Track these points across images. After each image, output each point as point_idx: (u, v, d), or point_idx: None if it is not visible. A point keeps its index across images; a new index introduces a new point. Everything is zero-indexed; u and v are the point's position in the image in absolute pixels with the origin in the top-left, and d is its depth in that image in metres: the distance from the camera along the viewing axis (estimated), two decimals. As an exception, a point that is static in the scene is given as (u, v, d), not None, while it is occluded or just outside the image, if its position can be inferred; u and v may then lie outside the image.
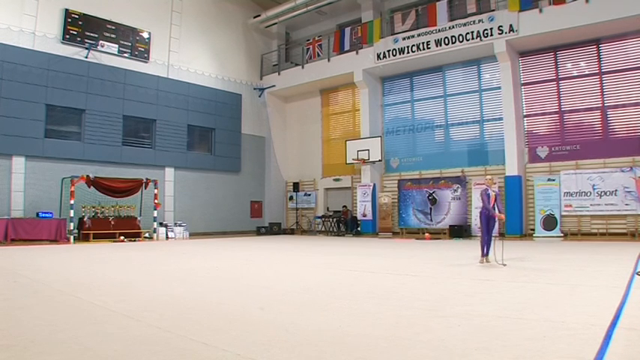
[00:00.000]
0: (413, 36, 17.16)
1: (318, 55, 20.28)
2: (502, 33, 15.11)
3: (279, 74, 21.42)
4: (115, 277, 6.76)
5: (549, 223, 14.71)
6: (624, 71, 14.49)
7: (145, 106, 17.63)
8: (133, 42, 17.44)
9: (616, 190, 13.72)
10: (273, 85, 21.56)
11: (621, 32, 14.18)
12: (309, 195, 21.40)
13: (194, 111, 19.17)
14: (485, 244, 7.71)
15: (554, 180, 14.80)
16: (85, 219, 15.19)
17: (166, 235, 16.94)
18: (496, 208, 7.76)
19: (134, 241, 15.40)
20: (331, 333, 3.46)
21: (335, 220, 19.64)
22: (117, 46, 16.94)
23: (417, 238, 16.09)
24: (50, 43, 15.32)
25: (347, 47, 19.10)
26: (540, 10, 14.49)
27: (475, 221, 16.00)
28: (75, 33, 15.84)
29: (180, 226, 17.59)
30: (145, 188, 16.43)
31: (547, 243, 13.03)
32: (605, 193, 13.89)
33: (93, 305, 4.55)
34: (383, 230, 18.37)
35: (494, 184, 7.82)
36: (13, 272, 7.12)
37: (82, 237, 14.96)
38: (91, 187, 15.16)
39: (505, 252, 7.71)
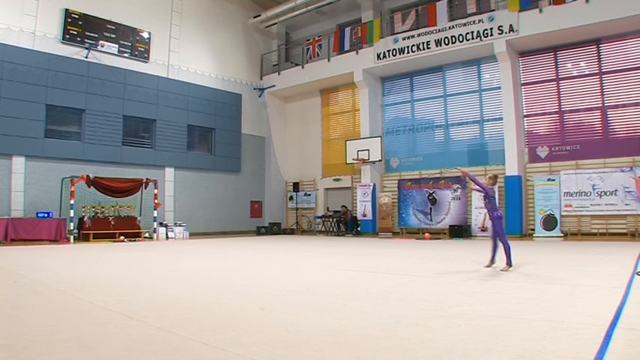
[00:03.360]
0: (413, 36, 17.16)
1: (318, 55, 20.28)
2: (502, 33, 15.11)
3: (279, 74, 21.42)
4: (115, 277, 6.75)
5: (549, 223, 14.71)
6: (624, 71, 14.49)
7: (145, 106, 17.64)
8: (133, 42, 17.44)
9: (616, 190, 13.72)
10: (273, 85, 21.56)
11: (621, 32, 14.18)
12: (309, 195, 21.40)
13: (194, 111, 19.17)
14: (498, 250, 6.99)
15: (554, 180, 14.80)
16: (85, 219, 15.20)
17: (166, 235, 16.94)
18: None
19: (134, 241, 15.40)
20: (331, 333, 3.46)
21: (335, 220, 19.63)
22: (117, 46, 16.94)
23: (417, 238, 16.08)
24: (50, 43, 15.32)
25: (347, 47, 19.10)
26: (540, 10, 14.49)
27: (475, 221, 16.03)
28: (75, 33, 15.84)
29: (180, 226, 17.59)
30: (145, 188, 16.43)
31: (547, 243, 13.03)
32: (605, 193, 13.89)
33: (93, 305, 4.55)
34: (383, 230, 18.36)
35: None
36: (13, 272, 7.12)
37: (82, 237, 14.96)
38: (91, 187, 15.16)
39: (504, 252, 7.64)
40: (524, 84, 16.16)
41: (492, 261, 7.09)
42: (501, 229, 6.96)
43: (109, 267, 8.06)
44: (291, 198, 21.91)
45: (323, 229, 20.13)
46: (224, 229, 19.99)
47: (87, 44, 16.05)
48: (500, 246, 6.92)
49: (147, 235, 16.51)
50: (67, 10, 15.63)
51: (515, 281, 5.89)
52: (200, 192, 19.31)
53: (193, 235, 18.06)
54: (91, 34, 16.25)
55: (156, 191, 16.58)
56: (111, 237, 15.27)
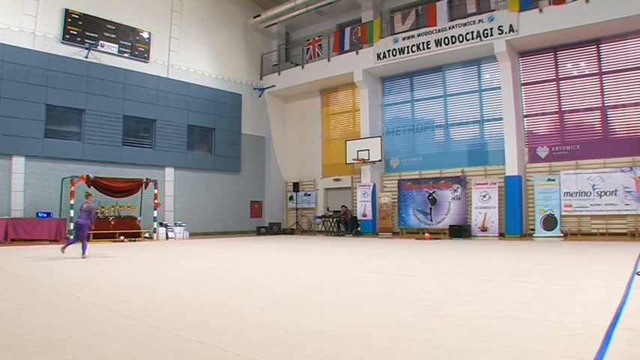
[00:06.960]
0: (413, 36, 17.16)
1: (318, 55, 20.28)
2: (502, 33, 15.11)
3: (279, 74, 21.43)
4: (115, 277, 6.76)
5: (549, 223, 14.71)
6: (624, 71, 14.49)
7: (145, 106, 17.63)
8: (133, 42, 17.44)
9: (616, 190, 13.72)
10: (273, 85, 21.57)
11: (621, 32, 14.18)
12: (309, 195, 21.40)
13: (194, 111, 19.17)
14: (73, 243, 9.57)
15: (554, 180, 14.80)
16: (85, 219, 15.17)
17: (166, 235, 16.94)
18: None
19: (134, 241, 15.40)
20: (331, 333, 3.46)
21: (335, 220, 19.63)
22: (117, 46, 16.94)
23: (417, 238, 16.08)
24: (50, 43, 15.32)
25: (347, 47, 19.10)
26: (540, 10, 14.49)
27: (475, 221, 16.03)
28: (75, 33, 15.84)
29: (180, 226, 17.60)
30: (145, 188, 16.43)
31: (547, 243, 13.02)
32: (605, 193, 13.89)
33: (93, 305, 4.55)
34: (383, 230, 18.37)
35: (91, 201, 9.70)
36: (13, 272, 7.12)
37: (82, 237, 14.94)
38: (91, 187, 15.12)
39: (504, 252, 7.67)
40: (524, 84, 16.16)
41: (64, 249, 9.43)
42: (86, 233, 9.57)
43: (109, 267, 8.07)
44: (291, 198, 21.91)
45: (323, 229, 20.13)
46: (224, 229, 19.99)
47: (87, 44, 16.05)
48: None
49: (147, 235, 16.51)
50: (67, 10, 15.63)
51: (515, 281, 5.89)
52: (200, 192, 19.31)
53: (193, 235, 18.06)
54: (91, 34, 16.25)
55: (156, 191, 16.58)
56: (111, 237, 15.26)
